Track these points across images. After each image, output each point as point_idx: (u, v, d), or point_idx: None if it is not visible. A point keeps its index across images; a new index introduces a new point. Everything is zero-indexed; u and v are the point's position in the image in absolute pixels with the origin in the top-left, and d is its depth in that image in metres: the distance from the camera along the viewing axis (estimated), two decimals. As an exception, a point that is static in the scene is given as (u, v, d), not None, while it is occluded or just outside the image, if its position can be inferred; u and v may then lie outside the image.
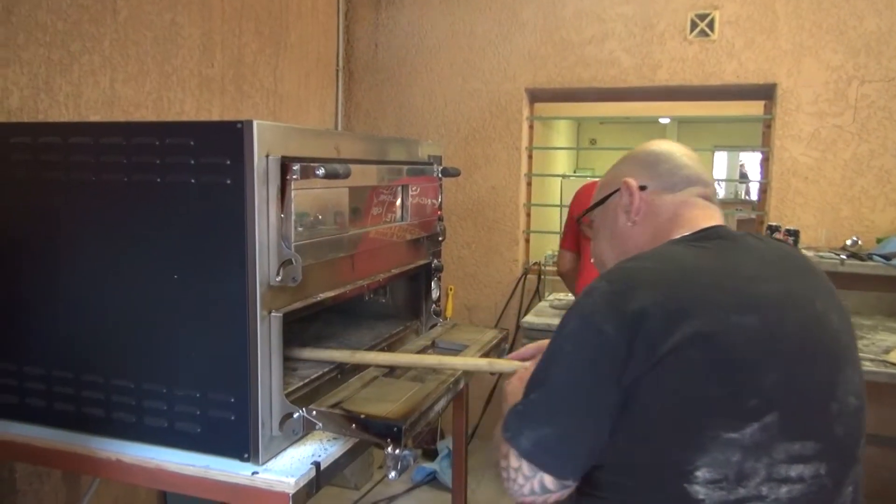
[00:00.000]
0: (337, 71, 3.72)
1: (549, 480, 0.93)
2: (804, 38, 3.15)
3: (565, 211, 5.82)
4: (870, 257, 2.77)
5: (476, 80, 3.62)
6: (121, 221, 1.29)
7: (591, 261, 1.26)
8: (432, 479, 3.13)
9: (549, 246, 3.92)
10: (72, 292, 1.34)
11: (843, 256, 2.79)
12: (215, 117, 2.75)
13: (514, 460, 0.94)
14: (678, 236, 1.05)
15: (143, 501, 2.55)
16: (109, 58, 2.29)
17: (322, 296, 1.39)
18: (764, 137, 3.44)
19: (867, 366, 2.25)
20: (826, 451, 0.90)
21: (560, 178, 8.46)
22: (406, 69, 3.72)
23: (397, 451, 1.22)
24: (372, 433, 1.27)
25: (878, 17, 3.05)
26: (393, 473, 1.24)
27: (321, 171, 1.25)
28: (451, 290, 3.59)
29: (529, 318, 3.04)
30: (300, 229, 1.26)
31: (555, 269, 3.61)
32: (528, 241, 3.73)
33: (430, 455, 3.29)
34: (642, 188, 1.12)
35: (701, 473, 0.87)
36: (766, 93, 3.34)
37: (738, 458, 0.86)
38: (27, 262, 1.38)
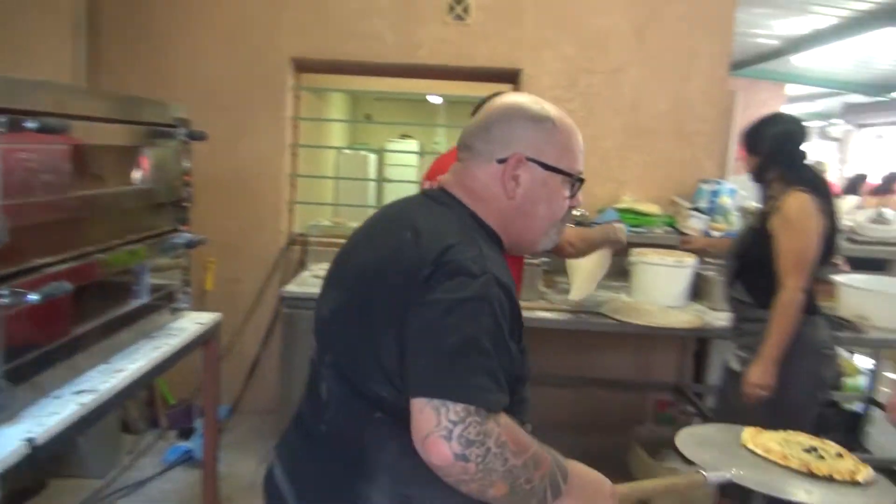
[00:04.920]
0: (78, 25, 3.34)
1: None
2: (545, 29, 3.49)
3: (341, 183, 5.72)
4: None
5: (241, 47, 3.48)
6: None
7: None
8: (189, 459, 3.03)
9: (315, 217, 3.93)
10: None
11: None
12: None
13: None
14: None
15: None
16: None
17: (39, 262, 1.29)
18: (512, 118, 3.75)
19: (583, 316, 2.78)
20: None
21: (335, 151, 8.52)
22: (167, 32, 3.46)
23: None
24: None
25: (606, 15, 3.48)
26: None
27: (33, 125, 1.15)
28: (211, 262, 3.46)
29: (290, 288, 3.04)
30: (9, 187, 1.15)
31: (319, 239, 3.64)
32: (292, 211, 3.71)
33: (187, 434, 3.18)
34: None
35: None
36: (512, 77, 3.65)
37: None
38: None
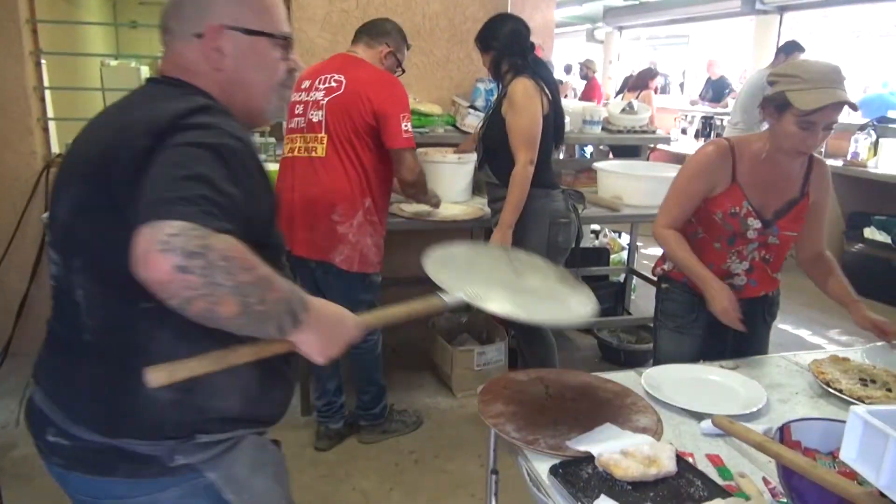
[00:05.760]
0: None
1: None
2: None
3: (110, 97, 4.91)
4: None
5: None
6: None
7: None
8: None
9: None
10: None
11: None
12: None
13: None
14: None
15: None
16: None
17: None
18: (286, 20, 3.59)
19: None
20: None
21: (99, 62, 7.57)
22: None
23: None
24: None
25: None
26: None
27: None
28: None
29: (52, 213, 2.75)
30: None
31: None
32: (46, 130, 3.30)
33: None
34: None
35: None
36: (284, -24, 3.46)
37: None
38: None
